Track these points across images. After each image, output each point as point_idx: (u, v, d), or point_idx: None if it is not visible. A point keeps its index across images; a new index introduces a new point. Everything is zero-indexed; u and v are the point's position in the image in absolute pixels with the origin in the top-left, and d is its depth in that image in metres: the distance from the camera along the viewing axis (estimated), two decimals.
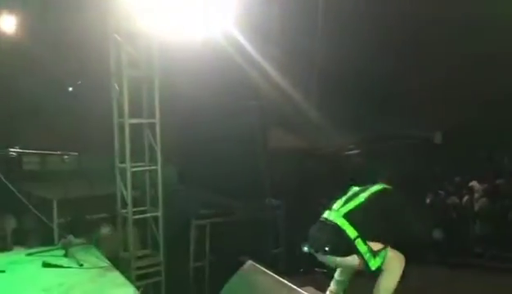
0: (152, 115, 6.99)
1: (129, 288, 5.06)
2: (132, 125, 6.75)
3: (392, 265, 4.32)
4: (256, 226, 8.56)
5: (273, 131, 10.16)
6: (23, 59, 8.17)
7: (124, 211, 6.87)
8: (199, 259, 8.49)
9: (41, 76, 8.42)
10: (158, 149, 7.02)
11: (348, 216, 4.29)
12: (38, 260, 5.61)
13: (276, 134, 10.22)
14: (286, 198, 9.18)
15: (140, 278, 6.82)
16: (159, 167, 7.05)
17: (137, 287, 5.78)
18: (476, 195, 9.94)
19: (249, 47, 8.50)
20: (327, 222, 4.38)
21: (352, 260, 4.24)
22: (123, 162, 6.79)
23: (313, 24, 10.48)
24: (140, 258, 7.01)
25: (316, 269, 7.63)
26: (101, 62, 6.98)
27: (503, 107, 11.00)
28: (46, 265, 5.50)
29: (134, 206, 6.90)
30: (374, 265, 4.22)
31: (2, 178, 5.58)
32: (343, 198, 4.51)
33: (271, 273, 4.97)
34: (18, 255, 5.99)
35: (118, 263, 6.14)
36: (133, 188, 6.88)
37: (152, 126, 7.02)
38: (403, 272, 4.39)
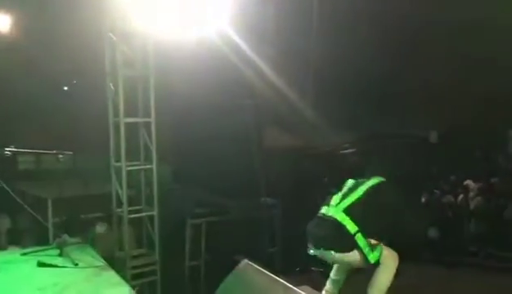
0: (147, 114, 6.98)
1: (124, 287, 5.06)
2: (127, 124, 6.74)
3: (386, 262, 4.32)
4: (252, 225, 8.55)
5: (268, 130, 10.15)
6: (18, 58, 8.14)
7: (120, 210, 6.86)
8: (194, 258, 8.47)
9: (36, 75, 8.39)
10: (153, 148, 7.01)
11: (347, 211, 4.26)
12: (32, 260, 5.61)
13: (272, 133, 10.22)
14: (282, 197, 9.18)
15: (135, 277, 6.81)
16: (154, 166, 7.04)
17: (133, 287, 5.78)
18: (471, 194, 9.96)
19: (244, 46, 8.50)
20: (326, 218, 4.34)
21: (353, 255, 4.21)
22: (118, 161, 6.78)
23: (308, 24, 10.50)
24: (135, 257, 7.00)
25: (313, 268, 7.64)
26: (96, 61, 6.97)
27: (498, 107, 11.05)
28: (41, 264, 5.50)
29: (129, 205, 6.89)
30: (373, 258, 4.21)
31: None
32: (340, 194, 4.47)
33: (267, 273, 4.97)
34: (13, 254, 5.99)
35: (113, 262, 6.15)
36: (129, 187, 6.86)
37: (147, 125, 7.01)
38: (397, 270, 4.40)
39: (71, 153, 6.17)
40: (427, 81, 11.51)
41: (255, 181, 8.79)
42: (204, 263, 8.48)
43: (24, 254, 5.85)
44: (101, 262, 5.68)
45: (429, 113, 11.80)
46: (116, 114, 6.71)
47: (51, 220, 7.19)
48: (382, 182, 4.51)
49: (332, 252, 4.27)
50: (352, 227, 4.17)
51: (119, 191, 6.81)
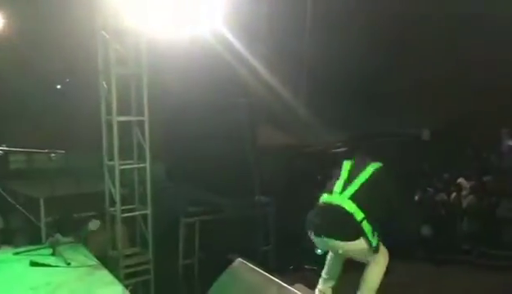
0: (141, 113, 6.95)
1: (118, 287, 5.05)
2: (120, 122, 6.71)
3: (377, 258, 4.32)
4: (245, 224, 8.54)
5: (262, 129, 10.15)
6: (10, 57, 8.10)
7: (113, 209, 6.83)
8: (188, 257, 8.46)
9: (28, 74, 8.36)
10: (146, 146, 6.98)
11: (353, 198, 4.20)
12: (25, 259, 5.59)
13: (265, 131, 10.22)
14: (276, 195, 9.18)
15: (128, 276, 6.79)
16: (147, 165, 7.01)
17: (126, 286, 5.77)
18: (464, 192, 10.00)
19: (237, 45, 8.50)
20: (332, 206, 4.27)
21: (359, 243, 4.17)
22: (111, 159, 6.74)
23: (302, 23, 10.51)
24: (128, 256, 6.97)
25: (306, 266, 7.67)
26: (88, 60, 6.93)
27: (490, 105, 11.10)
28: (33, 263, 5.48)
29: (123, 204, 6.86)
30: (374, 241, 4.20)
31: None
32: (342, 179, 4.39)
33: (261, 271, 4.98)
34: (5, 254, 5.96)
35: (106, 261, 6.13)
36: (122, 186, 6.83)
37: (141, 123, 6.98)
38: (387, 268, 4.40)
39: (63, 151, 6.14)
40: (419, 80, 11.55)
41: (249, 180, 8.79)
42: (197, 262, 8.47)
43: (17, 253, 5.83)
44: (93, 261, 5.66)
45: (422, 111, 11.85)
46: (109, 113, 6.68)
47: (43, 219, 7.15)
48: (381, 167, 4.46)
49: (335, 240, 4.21)
50: (358, 214, 4.13)
51: (112, 190, 6.78)
